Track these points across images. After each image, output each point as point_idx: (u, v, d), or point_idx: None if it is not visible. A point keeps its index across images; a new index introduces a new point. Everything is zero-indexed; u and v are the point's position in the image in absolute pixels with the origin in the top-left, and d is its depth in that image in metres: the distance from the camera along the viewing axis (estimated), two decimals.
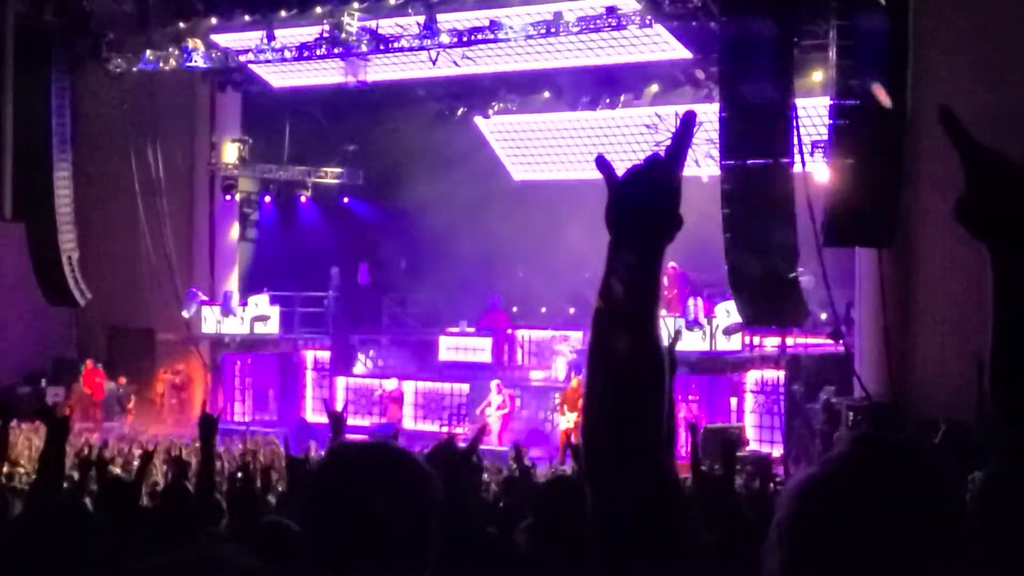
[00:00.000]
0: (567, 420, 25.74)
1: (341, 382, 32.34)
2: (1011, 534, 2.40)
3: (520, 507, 8.80)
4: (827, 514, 2.11)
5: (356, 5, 28.27)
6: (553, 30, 26.58)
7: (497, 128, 34.82)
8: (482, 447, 25.46)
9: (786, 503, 2.18)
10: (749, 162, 22.09)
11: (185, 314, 31.81)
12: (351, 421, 30.51)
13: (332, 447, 3.06)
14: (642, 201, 2.62)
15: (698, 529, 4.56)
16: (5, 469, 17.24)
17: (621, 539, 2.51)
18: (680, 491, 2.63)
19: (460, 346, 31.65)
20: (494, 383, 28.72)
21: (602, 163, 2.70)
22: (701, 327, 25.94)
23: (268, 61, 30.53)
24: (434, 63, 28.76)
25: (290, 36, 29.61)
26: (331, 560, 2.72)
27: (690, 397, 26.67)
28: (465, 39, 27.61)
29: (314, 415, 31.97)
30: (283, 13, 29.28)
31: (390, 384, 30.35)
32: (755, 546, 2.23)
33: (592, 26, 26.37)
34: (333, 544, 2.72)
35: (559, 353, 30.75)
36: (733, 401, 27.15)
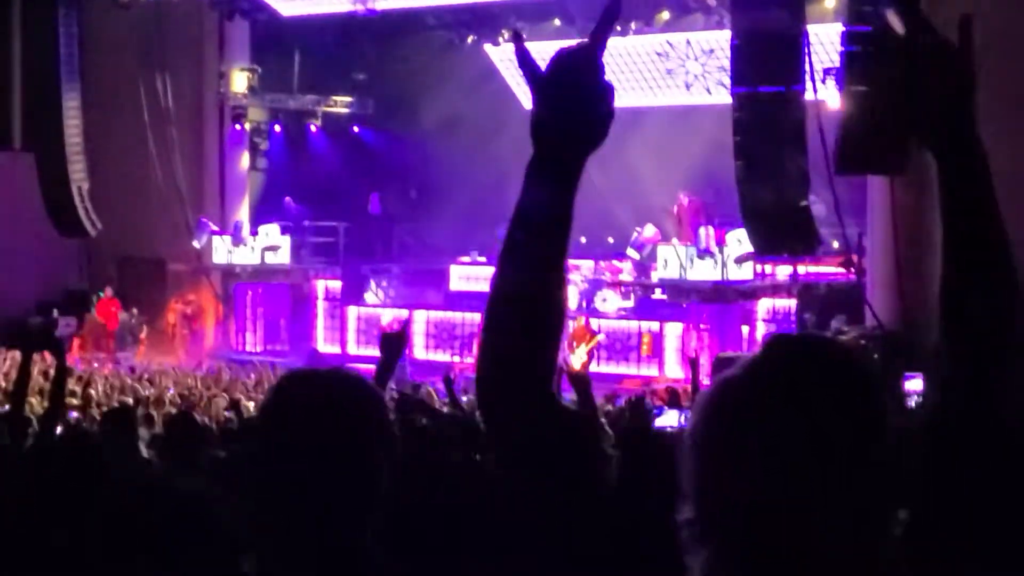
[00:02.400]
0: (578, 357, 25.74)
1: (352, 312, 32.38)
2: (948, 477, 2.35)
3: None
4: (737, 415, 2.03)
5: None
6: None
7: (508, 56, 34.60)
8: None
9: (697, 409, 2.12)
10: (761, 89, 21.96)
11: (196, 244, 31.85)
12: (360, 351, 30.73)
13: (284, 373, 3.02)
14: (571, 99, 2.55)
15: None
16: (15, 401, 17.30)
17: (527, 470, 2.49)
18: (576, 420, 2.60)
19: (471, 275, 31.62)
20: None
21: (522, 55, 2.62)
22: (712, 256, 25.91)
23: None
24: None
25: None
26: (279, 485, 2.70)
27: (701, 326, 26.68)
28: None
29: (326, 345, 32.05)
30: None
31: (387, 317, 30.30)
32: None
33: None
34: (282, 469, 2.70)
35: (570, 282, 30.62)
36: (745, 330, 27.16)
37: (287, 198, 33.39)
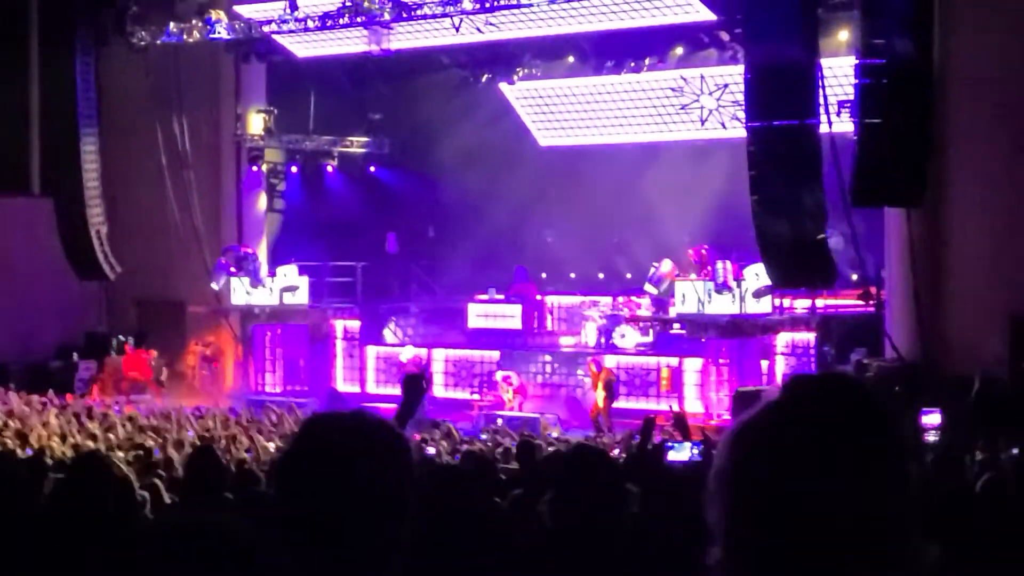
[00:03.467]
0: (599, 395, 25.88)
1: (371, 351, 32.42)
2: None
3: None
4: (762, 455, 2.06)
5: None
6: None
7: (522, 94, 34.74)
8: (510, 414, 25.68)
9: (723, 449, 2.14)
10: (775, 123, 22.00)
11: (214, 286, 31.89)
12: (379, 390, 30.75)
13: (309, 417, 3.04)
14: None
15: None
16: (37, 445, 17.38)
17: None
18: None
19: (489, 313, 31.67)
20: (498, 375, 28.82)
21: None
22: (730, 290, 25.89)
23: (291, 31, 30.49)
24: (457, 30, 28.69)
25: (313, 5, 29.57)
26: (305, 529, 2.71)
27: (720, 360, 26.66)
28: (488, 5, 27.50)
29: (345, 385, 32.09)
30: None
31: (407, 353, 30.36)
32: None
33: None
34: (307, 511, 2.71)
35: (589, 318, 30.75)
36: (764, 364, 27.13)
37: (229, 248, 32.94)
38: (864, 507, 2.01)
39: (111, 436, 18.22)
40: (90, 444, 17.19)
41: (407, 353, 30.41)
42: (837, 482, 2.01)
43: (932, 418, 21.00)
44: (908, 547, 2.03)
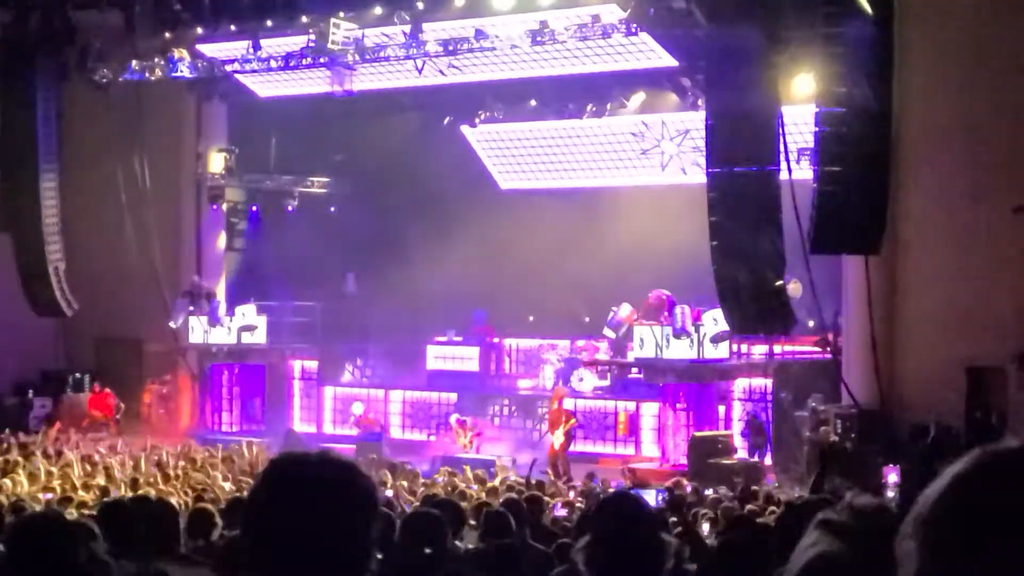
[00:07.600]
0: (556, 439, 25.85)
1: (329, 392, 32.34)
2: None
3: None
4: None
5: (342, 15, 28.23)
6: (539, 39, 26.57)
7: (484, 136, 34.82)
8: (467, 456, 25.65)
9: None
10: (736, 169, 22.11)
11: (172, 324, 31.76)
12: (338, 431, 30.65)
13: (274, 458, 3.03)
14: None
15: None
16: None
17: None
18: None
19: (447, 355, 31.66)
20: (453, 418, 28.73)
21: None
22: (689, 335, 25.93)
23: (254, 71, 30.51)
24: (420, 72, 28.78)
25: (276, 46, 29.59)
26: (271, 570, 2.70)
27: (678, 405, 26.68)
28: (451, 48, 27.60)
29: (301, 425, 31.97)
30: (269, 23, 29.25)
31: (358, 409, 30.13)
32: None
33: (578, 35, 26.37)
34: (273, 554, 2.70)
35: (546, 361, 30.75)
36: (721, 409, 27.18)
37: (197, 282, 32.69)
38: None
39: (68, 472, 18.12)
40: (47, 484, 17.09)
41: (358, 408, 30.20)
42: None
43: (891, 476, 21.24)
44: None
